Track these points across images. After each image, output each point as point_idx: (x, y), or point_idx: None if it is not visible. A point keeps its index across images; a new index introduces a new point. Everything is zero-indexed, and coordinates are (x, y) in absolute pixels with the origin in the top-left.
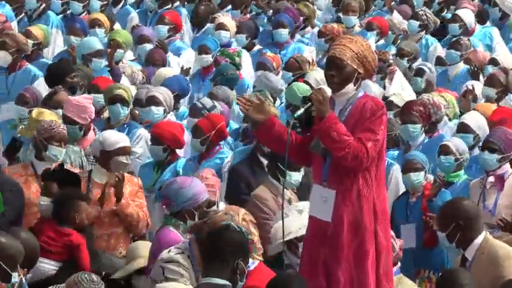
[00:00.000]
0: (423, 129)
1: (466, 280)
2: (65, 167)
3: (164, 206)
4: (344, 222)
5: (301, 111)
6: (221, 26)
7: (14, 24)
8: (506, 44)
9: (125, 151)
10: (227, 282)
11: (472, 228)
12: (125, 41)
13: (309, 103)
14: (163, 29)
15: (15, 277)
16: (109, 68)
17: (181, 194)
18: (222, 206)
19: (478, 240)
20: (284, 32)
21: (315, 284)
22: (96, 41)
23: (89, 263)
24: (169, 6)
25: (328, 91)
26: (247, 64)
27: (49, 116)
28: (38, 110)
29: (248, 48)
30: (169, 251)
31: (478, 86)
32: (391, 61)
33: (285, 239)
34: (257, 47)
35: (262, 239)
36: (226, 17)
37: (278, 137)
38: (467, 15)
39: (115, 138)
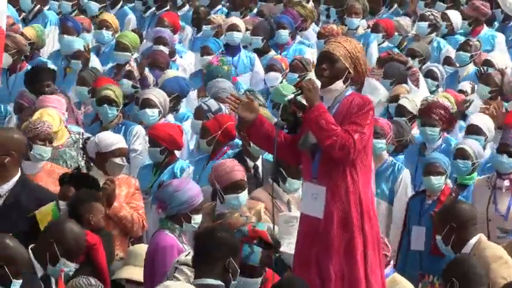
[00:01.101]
0: (441, 133)
1: (477, 269)
2: (82, 171)
3: (160, 210)
4: (334, 218)
5: (290, 96)
6: (233, 27)
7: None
8: (510, 48)
9: (121, 153)
10: (220, 282)
11: (466, 230)
12: (132, 43)
13: (299, 90)
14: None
15: (16, 285)
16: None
17: (177, 197)
18: (245, 199)
19: (472, 241)
20: (284, 33)
21: (309, 283)
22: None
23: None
24: (167, 8)
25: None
26: (258, 67)
27: (46, 116)
28: (39, 112)
29: (264, 50)
30: (188, 254)
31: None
32: (410, 63)
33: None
34: (272, 52)
35: None
36: (237, 18)
37: (267, 135)
38: (455, 16)
39: (111, 139)
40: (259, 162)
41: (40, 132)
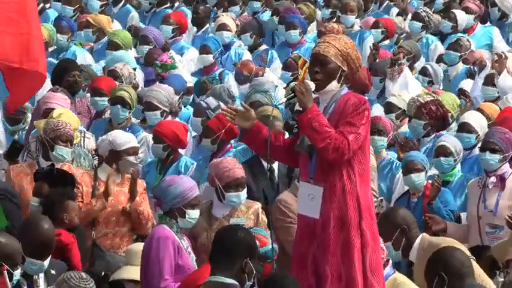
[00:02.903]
0: (429, 127)
1: (466, 261)
2: (56, 167)
3: (157, 207)
4: (331, 218)
5: (283, 100)
6: (223, 27)
7: None
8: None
9: (134, 151)
10: (235, 282)
11: (412, 232)
12: (124, 41)
13: (292, 94)
14: (168, 29)
15: (17, 275)
16: None
17: (169, 192)
18: (245, 197)
19: (417, 241)
20: (295, 33)
21: (305, 282)
22: (130, 59)
23: (80, 261)
24: (168, 5)
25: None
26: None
27: (67, 118)
28: (58, 110)
29: (254, 47)
30: None
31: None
32: (402, 61)
33: None
34: (263, 47)
35: (286, 242)
36: (227, 17)
37: (266, 142)
38: (462, 16)
39: (124, 138)
40: (275, 165)
41: (62, 134)
